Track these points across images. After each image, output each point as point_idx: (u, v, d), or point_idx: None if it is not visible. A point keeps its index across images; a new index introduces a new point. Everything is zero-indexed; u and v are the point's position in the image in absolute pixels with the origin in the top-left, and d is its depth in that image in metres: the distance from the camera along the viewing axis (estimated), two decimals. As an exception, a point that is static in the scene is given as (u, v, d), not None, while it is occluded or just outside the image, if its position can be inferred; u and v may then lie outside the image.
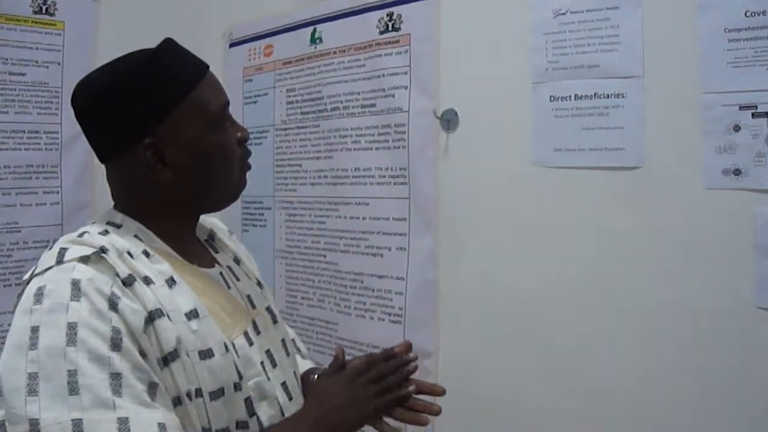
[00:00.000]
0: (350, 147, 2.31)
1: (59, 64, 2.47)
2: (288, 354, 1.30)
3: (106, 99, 1.14)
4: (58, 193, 2.46)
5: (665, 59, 1.67)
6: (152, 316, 1.00)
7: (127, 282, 1.01)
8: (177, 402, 1.00)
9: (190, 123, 1.14)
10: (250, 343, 1.18)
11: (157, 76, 1.13)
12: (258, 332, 1.23)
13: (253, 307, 1.28)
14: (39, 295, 0.96)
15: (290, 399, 1.22)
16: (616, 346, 1.74)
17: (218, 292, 1.20)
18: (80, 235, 1.08)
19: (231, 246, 1.41)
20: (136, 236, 1.14)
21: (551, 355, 1.85)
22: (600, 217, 1.77)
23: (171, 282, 1.08)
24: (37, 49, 2.42)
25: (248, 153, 1.27)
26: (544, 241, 1.87)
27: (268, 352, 1.23)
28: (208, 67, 1.21)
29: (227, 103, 1.22)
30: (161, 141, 1.13)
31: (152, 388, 0.95)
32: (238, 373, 1.09)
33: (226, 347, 1.09)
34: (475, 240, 2.01)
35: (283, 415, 1.16)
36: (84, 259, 1.00)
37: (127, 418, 0.88)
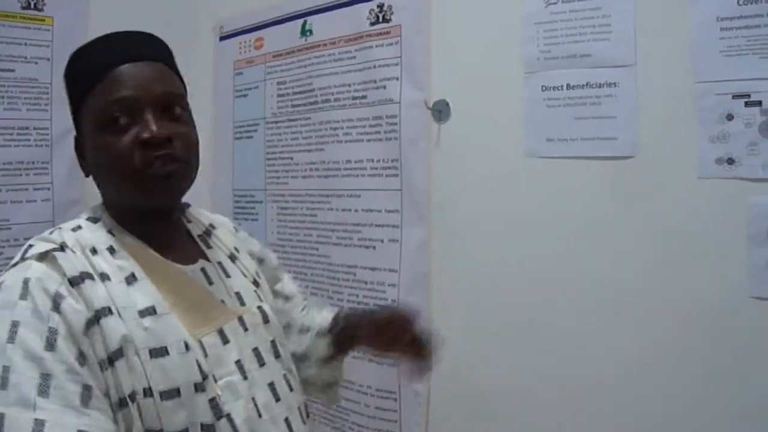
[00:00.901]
0: (341, 139, 2.30)
1: (48, 59, 2.44)
2: (278, 356, 1.25)
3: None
4: (48, 189, 2.44)
5: (658, 48, 1.66)
6: (98, 315, 0.99)
7: (75, 281, 0.99)
8: (123, 403, 0.98)
9: (88, 120, 1.12)
10: (225, 341, 1.14)
11: (75, 69, 1.15)
12: (245, 329, 1.19)
13: (242, 304, 1.24)
14: None
15: (277, 400, 1.18)
16: (610, 336, 1.73)
17: (192, 289, 1.17)
18: (52, 231, 1.08)
19: (230, 242, 1.35)
20: (109, 231, 1.13)
21: (544, 347, 1.85)
22: (593, 207, 1.76)
23: (131, 279, 1.06)
24: (25, 44, 2.40)
25: (149, 155, 1.08)
26: (536, 231, 1.86)
27: (256, 350, 1.19)
28: (123, 60, 1.11)
29: (121, 99, 1.08)
30: (81, 137, 1.15)
31: (87, 391, 0.93)
32: (201, 372, 1.05)
33: (186, 346, 1.05)
34: (468, 231, 2.00)
35: (260, 416, 1.12)
36: (41, 257, 1.01)
37: (43, 421, 0.87)
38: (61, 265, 1.00)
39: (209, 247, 1.30)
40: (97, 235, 1.10)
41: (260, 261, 1.45)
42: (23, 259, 1.02)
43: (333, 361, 1.46)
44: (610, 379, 1.73)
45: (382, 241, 2.18)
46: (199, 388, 1.03)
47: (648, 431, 1.68)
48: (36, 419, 0.87)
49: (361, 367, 2.15)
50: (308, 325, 1.46)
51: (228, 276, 1.27)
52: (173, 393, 1.01)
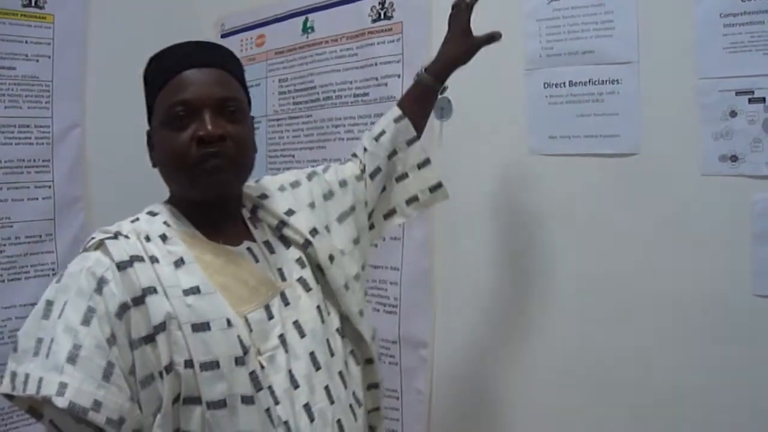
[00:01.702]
0: (343, 136, 2.30)
1: (49, 57, 2.43)
2: (322, 322, 1.32)
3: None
4: (50, 187, 2.43)
5: (661, 44, 1.65)
6: (144, 294, 1.11)
7: (123, 265, 1.13)
8: (159, 376, 1.10)
9: (157, 117, 1.27)
10: (270, 317, 1.24)
11: (150, 72, 1.32)
12: (287, 304, 1.29)
13: (284, 279, 1.32)
14: (61, 276, 1.14)
15: (317, 369, 1.26)
16: (612, 334, 1.73)
17: (242, 267, 1.27)
18: (114, 224, 1.23)
19: (281, 207, 1.41)
20: (165, 222, 1.25)
21: (547, 344, 1.85)
22: (595, 204, 1.75)
23: (179, 262, 1.18)
24: (26, 42, 2.39)
25: (205, 153, 1.21)
26: (538, 228, 1.86)
27: (296, 323, 1.27)
28: (190, 65, 1.26)
29: (184, 101, 1.23)
30: (152, 132, 1.31)
31: (109, 367, 1.06)
32: (242, 346, 1.14)
33: (228, 322, 1.14)
34: (470, 229, 2.00)
35: (296, 387, 1.21)
36: (96, 246, 1.17)
37: (66, 384, 1.02)
38: (111, 251, 1.14)
39: (256, 227, 1.38)
40: (152, 226, 1.23)
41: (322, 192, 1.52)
42: (85, 249, 1.18)
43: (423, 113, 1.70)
44: (611, 376, 1.73)
45: (384, 239, 2.17)
46: (239, 361, 1.13)
47: (651, 428, 1.68)
48: (61, 381, 1.02)
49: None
50: (378, 131, 1.63)
51: (272, 252, 1.35)
52: (213, 365, 1.10)
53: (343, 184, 1.55)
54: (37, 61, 2.41)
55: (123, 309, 1.09)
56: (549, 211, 1.84)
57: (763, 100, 1.51)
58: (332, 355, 1.31)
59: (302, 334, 1.27)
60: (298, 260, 1.36)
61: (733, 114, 1.55)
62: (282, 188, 1.47)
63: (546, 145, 1.84)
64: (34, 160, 2.40)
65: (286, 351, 1.23)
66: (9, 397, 1.08)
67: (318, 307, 1.33)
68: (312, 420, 1.21)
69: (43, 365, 1.04)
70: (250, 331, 1.19)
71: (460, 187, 1.98)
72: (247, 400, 1.12)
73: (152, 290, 1.12)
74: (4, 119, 2.33)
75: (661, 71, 1.65)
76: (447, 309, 2.06)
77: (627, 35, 1.70)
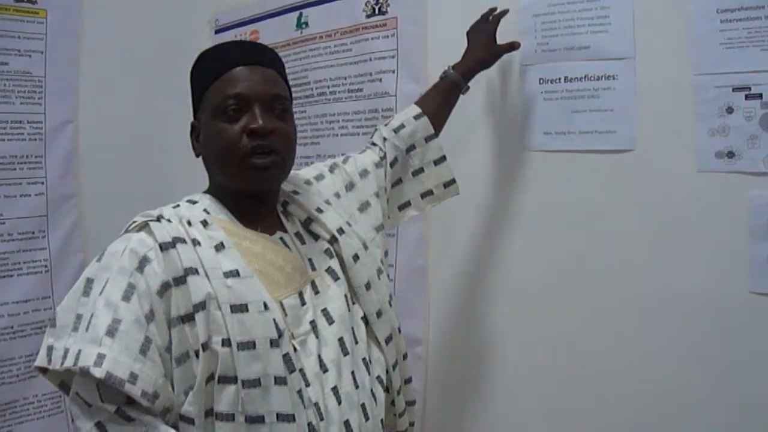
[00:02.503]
0: (337, 132, 2.30)
1: (42, 52, 2.41)
2: (348, 309, 1.37)
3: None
4: (42, 183, 2.41)
5: (657, 40, 1.65)
6: (186, 273, 1.17)
7: (166, 246, 1.18)
8: (194, 355, 1.14)
9: (205, 109, 1.33)
10: (303, 303, 1.30)
11: (201, 66, 1.38)
12: (317, 292, 1.35)
13: (314, 269, 1.38)
14: (102, 255, 1.20)
15: (345, 354, 1.31)
16: (608, 331, 1.73)
17: (278, 254, 1.32)
18: (156, 210, 1.29)
19: (312, 203, 1.46)
20: (205, 210, 1.31)
21: (542, 341, 1.84)
22: (591, 200, 1.75)
23: (220, 246, 1.23)
24: (19, 37, 2.37)
25: (255, 145, 1.28)
26: (534, 225, 1.85)
27: (325, 311, 1.33)
28: (241, 63, 1.32)
29: (237, 95, 1.29)
30: (198, 123, 1.37)
31: (147, 342, 1.11)
32: (278, 329, 1.18)
33: (265, 306, 1.19)
34: (464, 225, 2.00)
35: (325, 371, 1.26)
36: (139, 227, 1.23)
37: (104, 355, 1.06)
38: (154, 232, 1.20)
39: (288, 219, 1.44)
40: (193, 212, 1.29)
41: (344, 184, 1.59)
42: (126, 231, 1.24)
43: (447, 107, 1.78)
44: (606, 374, 1.73)
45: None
46: (274, 343, 1.17)
47: (647, 426, 1.67)
48: (99, 353, 1.06)
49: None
50: (397, 124, 1.68)
51: (303, 243, 1.41)
52: (249, 345, 1.15)
53: (363, 174, 1.60)
54: (30, 56, 2.39)
55: (165, 287, 1.15)
56: (544, 208, 1.83)
57: (760, 96, 1.51)
58: (356, 342, 1.36)
59: (331, 321, 1.32)
60: (326, 251, 1.41)
61: (730, 110, 1.54)
62: (308, 182, 1.53)
63: (541, 142, 1.83)
64: (27, 157, 2.38)
65: (317, 336, 1.29)
66: (43, 370, 1.15)
67: (345, 296, 1.38)
68: (339, 402, 1.26)
69: (83, 338, 1.09)
70: (285, 315, 1.25)
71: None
72: (280, 381, 1.16)
73: (194, 271, 1.17)
74: (-3, 115, 2.32)
75: (657, 67, 1.65)
76: (441, 306, 2.06)
77: (623, 31, 1.69)
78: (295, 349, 1.23)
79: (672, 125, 1.62)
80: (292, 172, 1.48)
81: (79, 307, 1.14)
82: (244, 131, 1.27)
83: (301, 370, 1.22)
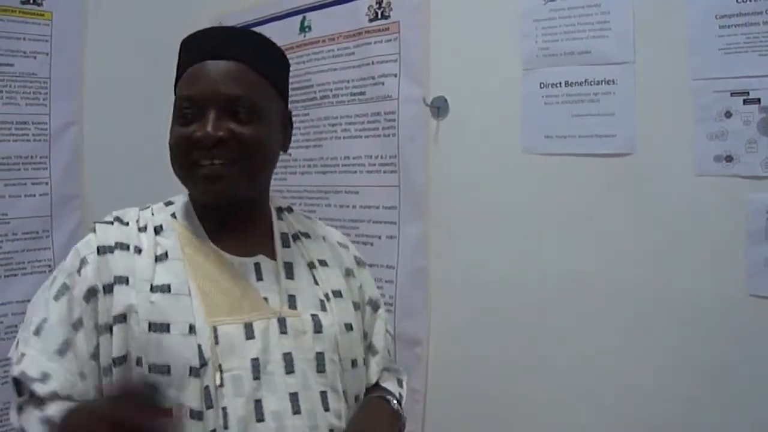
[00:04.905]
0: (340, 135, 2.30)
1: (47, 54, 2.44)
2: (321, 371, 1.19)
3: None
4: (47, 184, 2.44)
5: (656, 45, 1.66)
6: (115, 282, 1.11)
7: (103, 250, 1.14)
8: (117, 363, 1.08)
9: (173, 109, 1.21)
10: (250, 336, 1.13)
11: (179, 58, 1.25)
12: (283, 332, 1.16)
13: (292, 307, 1.21)
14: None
15: (296, 413, 1.12)
16: (607, 333, 1.73)
17: (230, 278, 1.18)
18: (129, 210, 1.24)
19: (320, 254, 1.32)
20: (172, 214, 1.24)
21: (541, 343, 1.85)
22: (591, 204, 1.76)
23: (163, 257, 1.16)
24: (24, 39, 2.39)
25: (202, 157, 1.15)
26: (534, 228, 1.86)
27: (287, 355, 1.15)
28: (208, 56, 1.19)
29: (188, 98, 1.17)
30: None
31: (66, 345, 1.07)
32: (201, 358, 1.07)
33: (191, 328, 1.08)
34: (465, 228, 2.00)
35: (260, 420, 1.09)
36: (93, 229, 1.19)
37: (25, 355, 1.06)
38: (99, 235, 1.17)
39: (286, 246, 1.29)
40: (158, 216, 1.23)
41: (371, 303, 1.40)
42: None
43: None
44: (606, 376, 1.73)
45: (380, 238, 2.18)
46: (194, 372, 1.06)
47: (647, 427, 1.67)
48: (22, 353, 1.06)
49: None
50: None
51: (291, 278, 1.24)
52: (163, 369, 1.06)
53: (364, 303, 1.38)
54: (35, 58, 2.42)
55: (91, 293, 1.10)
56: (544, 211, 1.84)
57: (758, 101, 1.52)
58: (327, 409, 1.17)
59: (289, 370, 1.14)
60: (321, 302, 1.25)
61: (728, 115, 1.55)
62: (328, 240, 1.39)
63: (541, 145, 1.84)
64: (32, 157, 2.41)
65: (257, 377, 1.11)
66: None
67: (322, 353, 1.20)
68: None
69: (23, 333, 1.10)
70: (216, 343, 1.10)
71: (455, 186, 2.00)
72: (195, 415, 1.05)
73: (124, 280, 1.11)
74: (2, 116, 2.34)
75: (656, 72, 1.66)
76: (442, 307, 2.06)
77: (623, 36, 1.70)
78: (221, 384, 1.08)
79: (671, 129, 1.63)
80: (318, 221, 1.42)
81: (35, 302, 1.14)
82: (191, 139, 1.14)
83: (223, 408, 1.07)
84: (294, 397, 1.13)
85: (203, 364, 1.07)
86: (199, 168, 1.15)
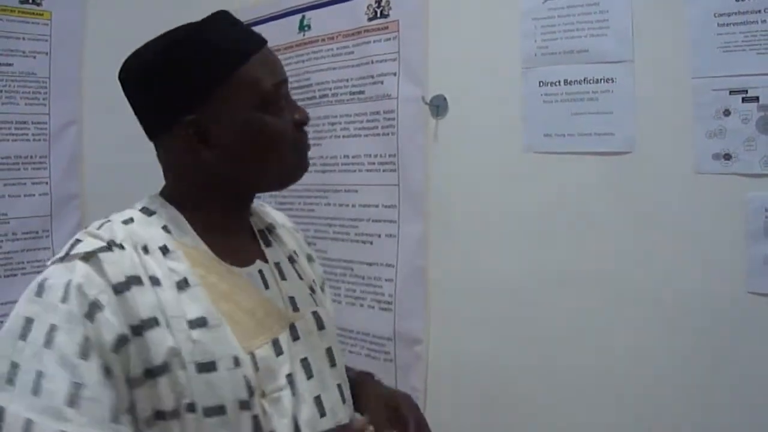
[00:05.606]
0: (339, 134, 2.31)
1: (47, 53, 2.44)
2: (333, 365, 1.19)
3: (149, 74, 1.09)
4: (46, 183, 2.43)
5: (655, 44, 1.66)
6: (144, 326, 0.95)
7: (120, 288, 0.95)
8: (160, 416, 0.95)
9: (238, 101, 1.07)
10: (279, 353, 1.09)
11: (201, 49, 1.08)
12: (296, 338, 1.14)
13: (295, 309, 1.18)
14: (41, 288, 0.95)
15: (322, 415, 1.11)
16: (606, 332, 1.73)
17: (249, 295, 1.11)
18: (102, 225, 1.05)
19: (290, 244, 1.31)
20: (164, 227, 1.08)
21: (541, 342, 1.85)
22: (590, 202, 1.76)
23: (183, 284, 1.02)
24: (24, 39, 2.39)
25: (305, 135, 1.16)
26: (533, 226, 1.86)
27: (304, 361, 1.13)
28: (264, 42, 1.13)
29: (283, 81, 1.12)
30: (206, 119, 1.07)
31: (116, 409, 0.91)
32: (249, 389, 1.01)
33: (236, 361, 1.01)
34: (465, 226, 2.00)
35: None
36: (86, 257, 0.97)
37: None
38: (105, 269, 0.96)
39: (269, 245, 1.25)
40: (150, 231, 1.06)
41: (323, 283, 1.41)
42: (68, 255, 0.98)
43: None
44: (607, 374, 1.73)
45: (379, 236, 2.19)
46: (244, 405, 1.00)
47: (647, 426, 1.68)
48: (60, 430, 0.85)
49: (356, 360, 2.15)
50: None
51: (284, 278, 1.21)
52: (218, 410, 0.97)
53: (321, 284, 1.39)
54: (35, 57, 2.41)
55: (121, 342, 0.93)
56: (543, 209, 1.84)
57: (757, 99, 1.52)
58: (344, 401, 1.19)
59: (309, 375, 1.12)
60: (311, 295, 1.25)
61: (727, 113, 1.55)
62: (284, 226, 1.36)
63: (541, 143, 1.84)
64: (31, 157, 2.40)
65: (293, 393, 1.08)
66: None
67: (329, 348, 1.21)
68: None
69: (31, 404, 0.86)
70: (257, 370, 1.03)
71: (455, 184, 2.00)
72: None
73: (154, 322, 0.96)
74: (1, 115, 2.34)
75: (655, 70, 1.66)
76: (442, 306, 2.06)
77: (622, 34, 1.71)
78: (264, 411, 1.03)
79: (670, 127, 1.64)
80: (266, 205, 1.38)
81: (14, 353, 0.89)
82: (297, 123, 1.13)
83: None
84: (317, 400, 1.12)
85: (251, 394, 1.01)
86: (304, 147, 1.17)
